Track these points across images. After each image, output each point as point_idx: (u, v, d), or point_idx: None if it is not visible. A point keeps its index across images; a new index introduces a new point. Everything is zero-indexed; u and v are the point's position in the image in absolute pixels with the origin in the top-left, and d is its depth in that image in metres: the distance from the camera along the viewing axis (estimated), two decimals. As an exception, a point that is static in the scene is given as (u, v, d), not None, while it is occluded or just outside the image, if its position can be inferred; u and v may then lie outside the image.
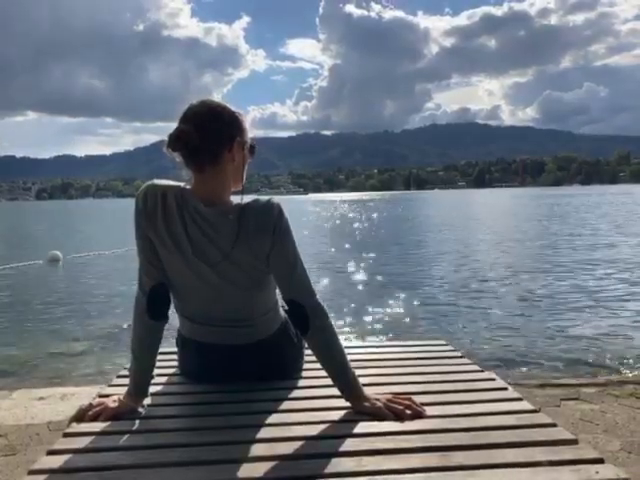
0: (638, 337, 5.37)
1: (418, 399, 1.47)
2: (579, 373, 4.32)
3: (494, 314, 6.62)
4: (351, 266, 11.12)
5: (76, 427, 1.38)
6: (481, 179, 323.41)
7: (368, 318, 6.50)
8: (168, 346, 1.81)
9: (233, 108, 1.58)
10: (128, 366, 1.63)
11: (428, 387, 1.63)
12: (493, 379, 1.71)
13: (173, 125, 1.54)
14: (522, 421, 1.36)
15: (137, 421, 1.42)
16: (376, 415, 1.41)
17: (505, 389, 1.62)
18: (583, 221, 23.15)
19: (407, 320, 6.38)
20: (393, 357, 1.98)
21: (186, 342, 1.71)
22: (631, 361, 4.57)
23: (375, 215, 36.04)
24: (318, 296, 1.55)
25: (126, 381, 1.58)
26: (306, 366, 1.79)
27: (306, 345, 1.70)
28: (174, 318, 1.68)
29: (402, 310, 6.92)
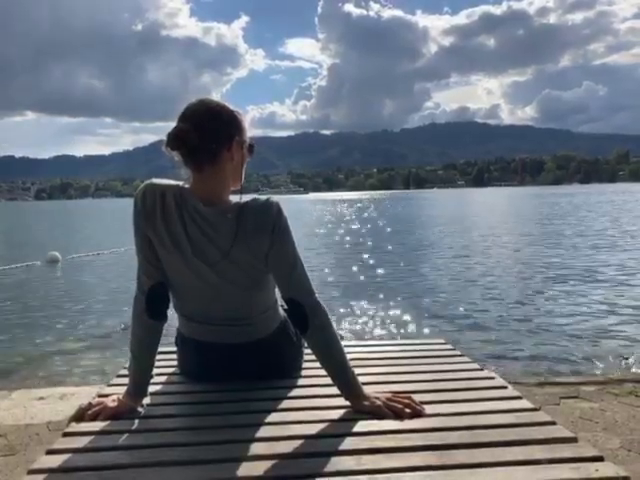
0: (637, 335, 5.37)
1: (417, 398, 1.47)
2: (578, 371, 4.33)
3: (493, 313, 6.62)
4: (351, 265, 11.12)
5: (75, 427, 1.38)
6: (480, 178, 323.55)
7: (367, 317, 6.50)
8: (167, 345, 1.81)
9: (232, 107, 1.58)
10: (127, 366, 1.63)
11: (427, 386, 1.63)
12: (493, 378, 1.71)
13: (172, 125, 1.53)
14: (522, 419, 1.36)
15: (136, 420, 1.42)
16: (375, 414, 1.41)
17: (505, 387, 1.62)
18: (583, 220, 23.16)
19: (406, 319, 6.38)
20: (392, 356, 1.98)
21: (185, 341, 1.71)
22: (630, 359, 4.58)
23: (375, 214, 36.04)
24: (317, 295, 1.55)
25: (125, 381, 1.58)
26: (305, 365, 1.78)
27: (305, 344, 1.70)
28: (173, 317, 1.68)
29: (401, 309, 6.92)
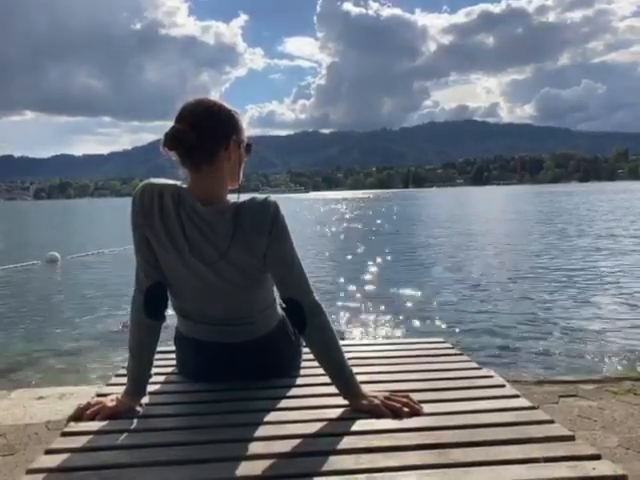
0: (636, 334, 5.38)
1: (416, 397, 1.47)
2: (577, 370, 4.33)
3: (493, 312, 6.63)
4: (351, 265, 11.12)
5: (74, 426, 1.38)
6: (479, 177, 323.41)
7: (366, 316, 6.50)
8: (166, 345, 1.81)
9: (229, 106, 1.58)
10: (126, 365, 1.62)
11: (426, 384, 1.63)
12: (491, 376, 1.71)
13: (171, 124, 1.53)
14: (520, 418, 1.36)
15: (135, 420, 1.42)
16: (374, 413, 1.40)
17: (503, 386, 1.62)
18: (584, 219, 23.16)
19: (405, 317, 6.39)
20: (391, 355, 1.98)
21: (184, 340, 1.71)
22: (629, 358, 4.58)
23: (374, 213, 36.02)
24: (315, 294, 1.55)
25: (124, 380, 1.58)
26: (304, 364, 1.78)
27: (304, 343, 1.70)
28: (172, 317, 1.69)
29: (400, 308, 6.92)
